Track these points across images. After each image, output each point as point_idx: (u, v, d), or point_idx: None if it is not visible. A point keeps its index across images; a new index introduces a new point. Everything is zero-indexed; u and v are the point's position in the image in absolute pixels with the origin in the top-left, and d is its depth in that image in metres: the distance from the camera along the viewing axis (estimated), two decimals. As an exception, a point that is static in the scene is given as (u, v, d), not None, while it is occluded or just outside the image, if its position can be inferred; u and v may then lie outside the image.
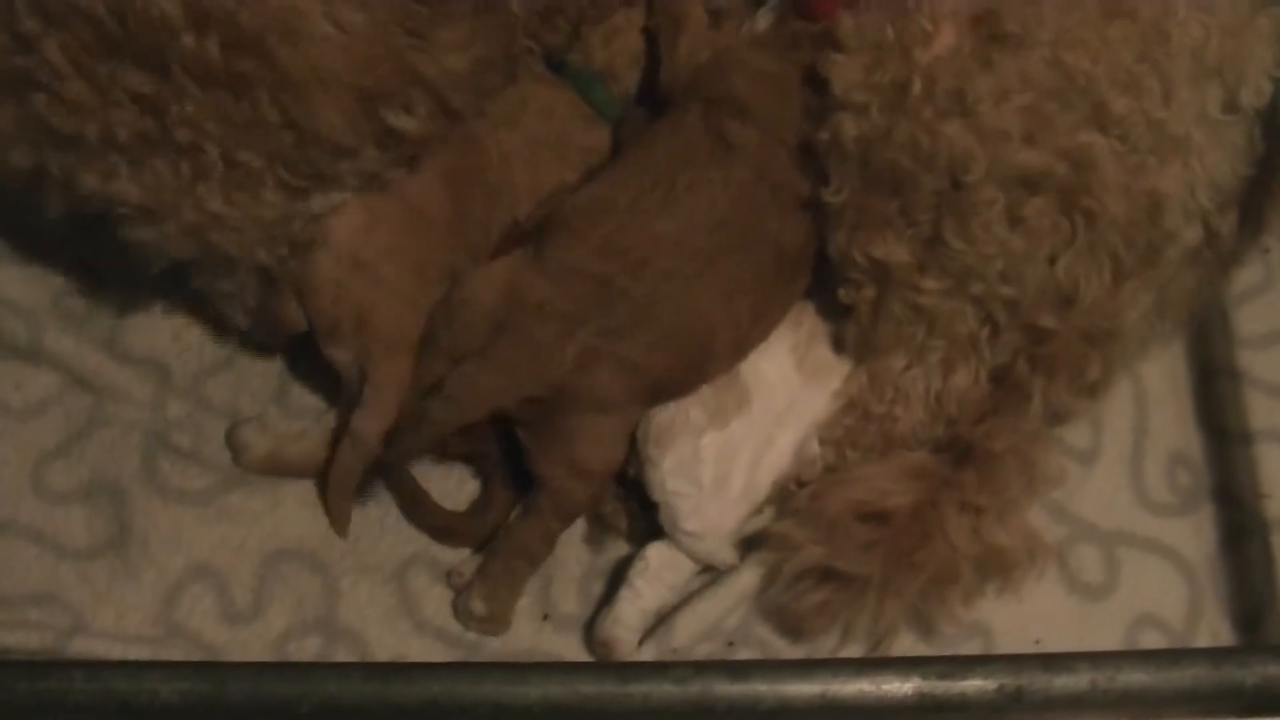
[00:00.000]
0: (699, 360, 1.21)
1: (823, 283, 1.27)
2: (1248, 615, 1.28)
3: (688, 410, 1.21)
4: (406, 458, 1.20)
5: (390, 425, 1.21)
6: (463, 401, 1.17)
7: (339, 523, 1.25)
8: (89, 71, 1.12)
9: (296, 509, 1.27)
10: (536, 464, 1.18)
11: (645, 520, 1.23)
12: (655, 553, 1.22)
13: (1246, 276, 1.37)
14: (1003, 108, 1.16)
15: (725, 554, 1.22)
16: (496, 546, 1.20)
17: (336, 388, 1.28)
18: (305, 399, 1.31)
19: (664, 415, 1.21)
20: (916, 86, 1.17)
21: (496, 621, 1.22)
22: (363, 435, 1.22)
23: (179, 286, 1.28)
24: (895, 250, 1.20)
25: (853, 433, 1.24)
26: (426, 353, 1.22)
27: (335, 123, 1.17)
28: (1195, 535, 1.31)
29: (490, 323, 1.19)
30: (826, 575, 1.19)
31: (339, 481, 1.24)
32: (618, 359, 1.18)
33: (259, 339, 1.29)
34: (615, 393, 1.19)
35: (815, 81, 1.24)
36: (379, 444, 1.21)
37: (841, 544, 1.19)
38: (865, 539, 1.19)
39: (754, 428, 1.23)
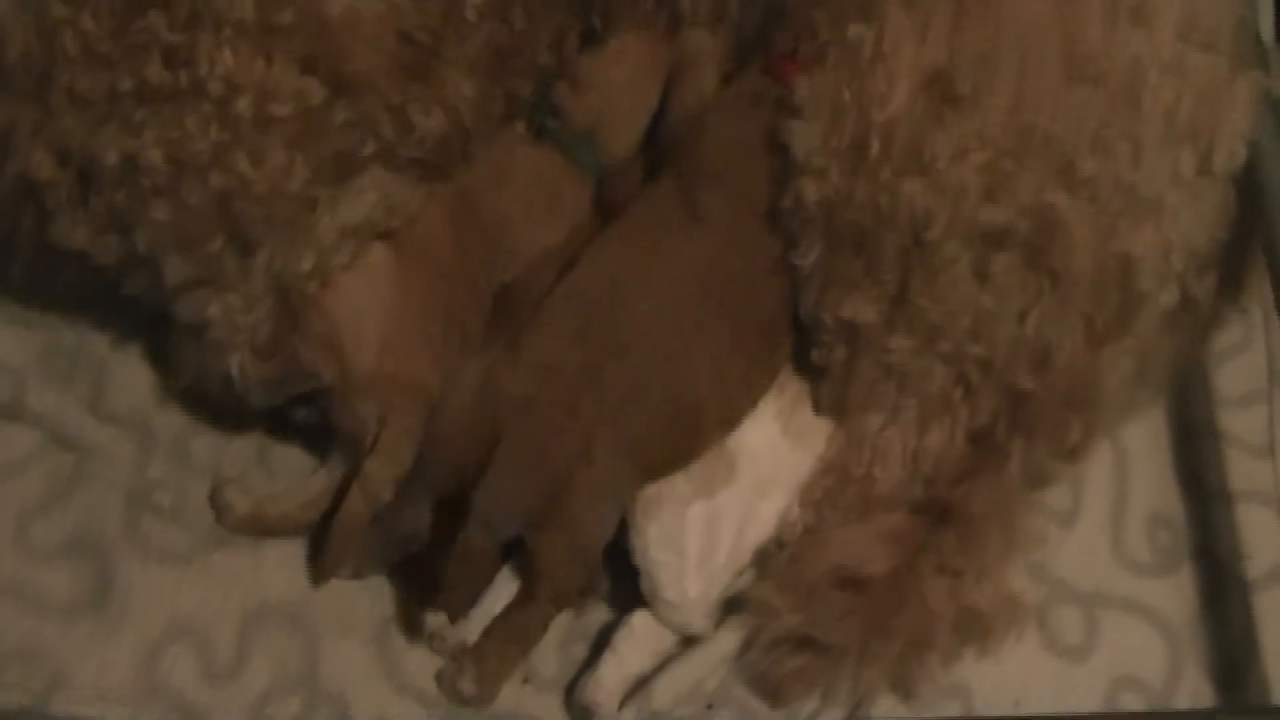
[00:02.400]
0: (690, 435, 1.23)
1: (802, 347, 1.28)
2: (1229, 675, 1.29)
3: (674, 481, 1.22)
4: (463, 594, 1.20)
5: (402, 475, 1.22)
6: (496, 518, 1.17)
7: (333, 568, 1.26)
8: (121, 30, 1.15)
9: (278, 568, 1.28)
10: (540, 559, 1.18)
11: (626, 584, 1.24)
12: (640, 619, 1.22)
13: (1226, 337, 1.40)
14: (960, 165, 1.18)
15: (701, 625, 1.23)
16: (492, 629, 1.20)
17: (318, 448, 1.31)
18: (287, 460, 1.32)
19: (651, 486, 1.22)
20: (874, 147, 1.20)
21: (484, 701, 1.22)
22: (376, 480, 1.23)
23: (163, 343, 1.29)
24: (863, 310, 1.22)
25: (832, 494, 1.25)
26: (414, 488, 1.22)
27: (364, 77, 1.20)
28: (1176, 595, 1.32)
29: (476, 438, 1.20)
30: (804, 643, 1.20)
31: (345, 528, 1.24)
32: (615, 443, 1.19)
33: (256, 396, 1.28)
34: (616, 477, 1.19)
35: (776, 146, 1.26)
36: (390, 492, 1.22)
37: (819, 612, 1.20)
38: (843, 607, 1.20)
39: (741, 497, 1.24)
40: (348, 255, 1.24)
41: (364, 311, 1.25)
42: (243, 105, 1.17)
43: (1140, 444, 1.37)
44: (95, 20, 1.15)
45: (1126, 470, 1.36)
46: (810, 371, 1.28)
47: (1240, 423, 1.38)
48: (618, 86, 1.38)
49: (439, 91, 1.25)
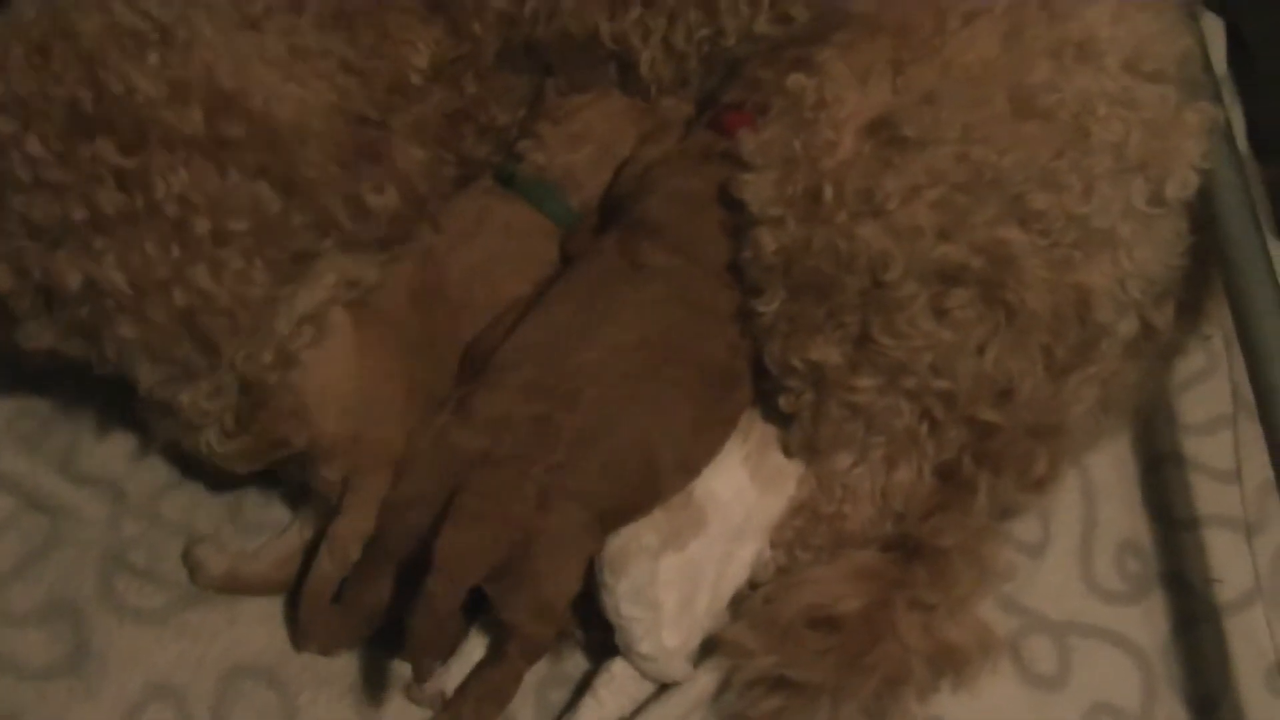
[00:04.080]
0: (647, 481, 1.23)
1: (767, 393, 1.30)
2: (1203, 700, 1.31)
3: (640, 534, 1.22)
4: (430, 648, 1.17)
5: (369, 533, 1.23)
6: (453, 568, 1.15)
7: (312, 635, 1.27)
8: (69, 156, 1.16)
9: (253, 625, 1.29)
10: (505, 612, 1.17)
11: (604, 631, 1.24)
12: (620, 665, 1.23)
13: (1189, 364, 1.42)
14: (913, 204, 1.20)
15: (680, 673, 1.23)
16: (466, 688, 1.19)
17: (290, 504, 1.33)
18: (259, 515, 1.34)
19: (617, 541, 1.22)
20: (827, 193, 1.21)
21: None
22: (343, 539, 1.24)
23: (133, 406, 1.29)
24: (827, 352, 1.24)
25: (803, 534, 1.27)
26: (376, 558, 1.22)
27: (318, 177, 1.21)
28: (1147, 622, 1.34)
29: (434, 500, 1.19)
30: (780, 682, 1.21)
31: (315, 591, 1.26)
32: (571, 492, 1.19)
33: (234, 466, 1.29)
34: (575, 527, 1.19)
35: (729, 200, 1.28)
36: (358, 552, 1.23)
37: (793, 652, 1.21)
38: (817, 647, 1.21)
39: (713, 546, 1.24)
40: (308, 338, 1.26)
41: (327, 379, 1.26)
42: (200, 225, 1.18)
43: (1107, 473, 1.39)
44: (42, 144, 1.15)
45: (1094, 499, 1.38)
46: (777, 416, 1.29)
47: (1206, 448, 1.40)
48: (593, 137, 1.40)
49: (390, 166, 1.26)
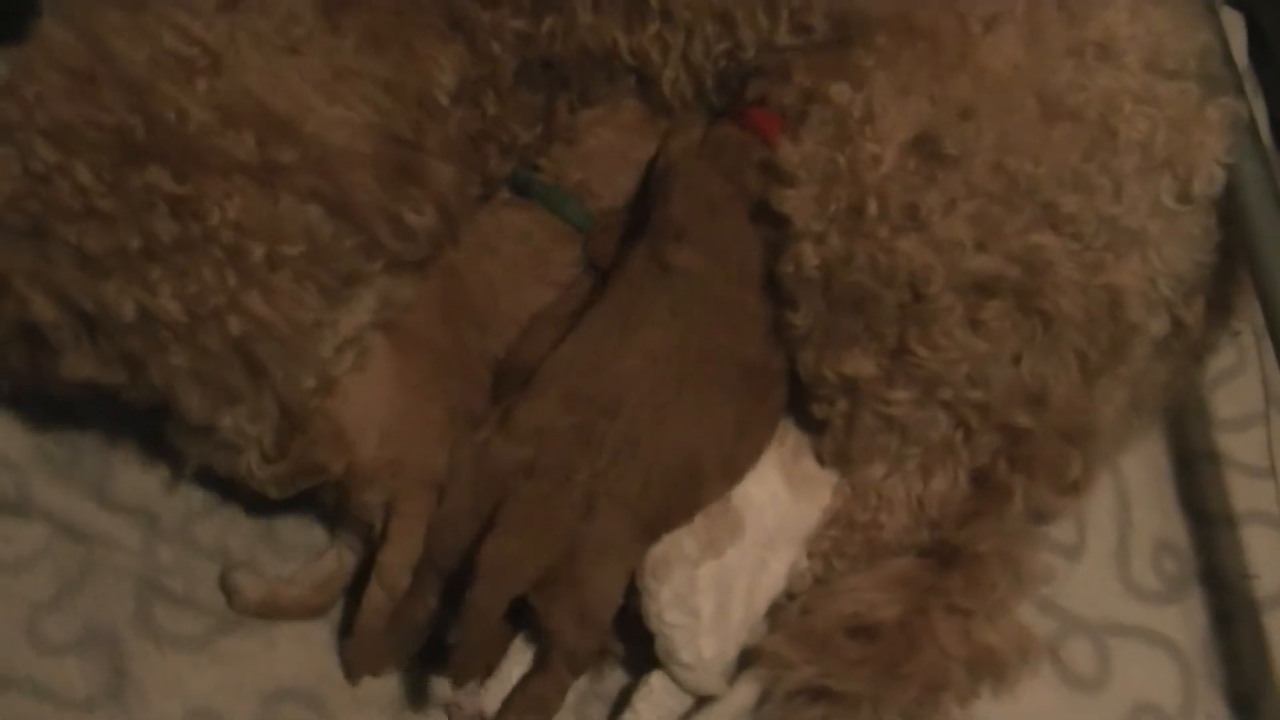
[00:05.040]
0: (691, 485, 1.24)
1: (800, 399, 1.30)
2: (1244, 697, 1.32)
3: (681, 541, 1.23)
4: (474, 658, 1.19)
5: (415, 560, 1.23)
6: (498, 576, 1.16)
7: (365, 666, 1.27)
8: (120, 184, 1.16)
9: (291, 648, 1.30)
10: (548, 620, 1.18)
11: (642, 646, 1.24)
12: (658, 678, 1.24)
13: (1219, 361, 1.42)
14: (951, 217, 1.20)
15: (717, 685, 1.24)
16: (511, 701, 1.20)
17: (323, 526, 1.33)
18: (293, 538, 1.34)
19: (659, 548, 1.23)
20: (871, 208, 1.22)
21: None
22: (391, 569, 1.25)
23: (164, 431, 1.29)
24: (863, 365, 1.24)
25: (839, 543, 1.27)
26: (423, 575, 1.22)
27: (366, 199, 1.22)
28: (1185, 621, 1.34)
29: (479, 514, 1.20)
30: (820, 693, 1.22)
31: (368, 623, 1.26)
32: (616, 498, 1.20)
33: (271, 491, 1.28)
34: (619, 534, 1.20)
35: (768, 214, 1.28)
36: (407, 579, 1.24)
37: (833, 662, 1.22)
38: (856, 656, 1.22)
39: (749, 553, 1.25)
40: (349, 363, 1.26)
41: (366, 405, 1.27)
42: (255, 250, 1.18)
43: (1141, 473, 1.40)
44: (92, 172, 1.15)
45: (1129, 500, 1.38)
46: (811, 425, 1.30)
47: (1239, 445, 1.40)
48: (607, 145, 1.40)
49: (427, 186, 1.27)
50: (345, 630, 1.30)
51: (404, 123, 1.25)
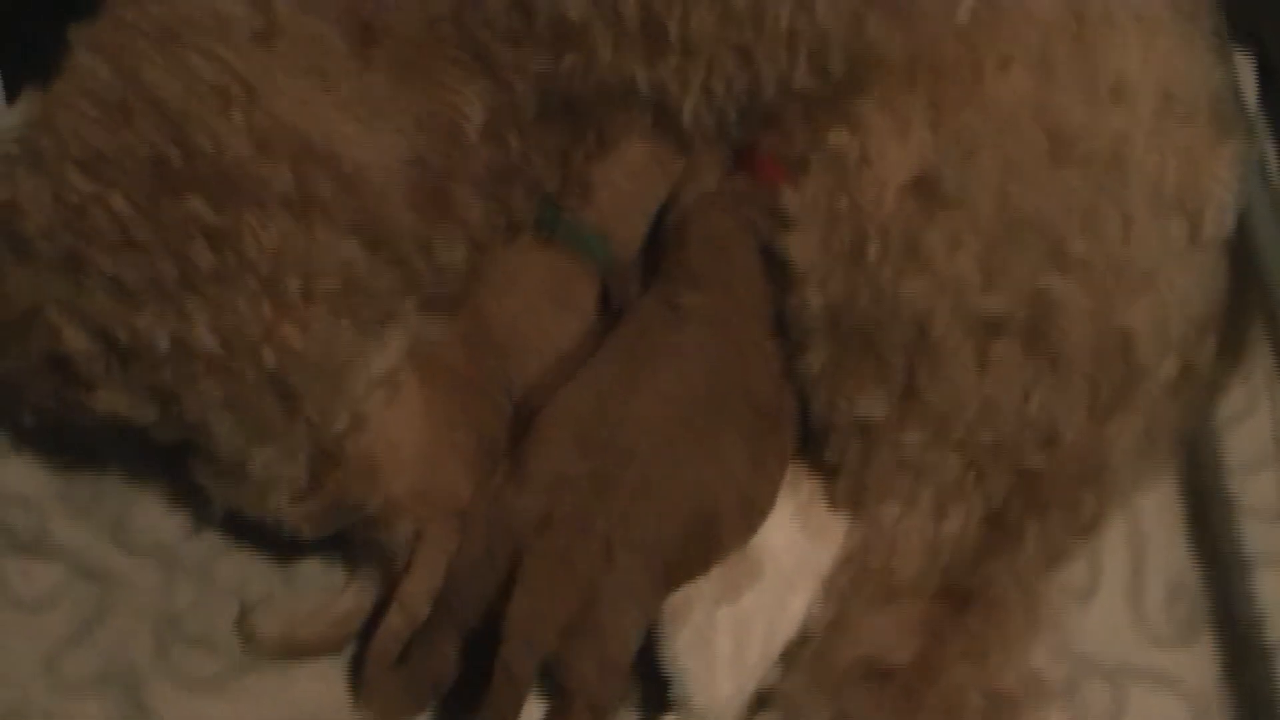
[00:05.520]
0: (709, 529, 1.24)
1: (813, 444, 1.31)
2: (1257, 740, 1.32)
3: (700, 585, 1.24)
4: (508, 718, 1.19)
5: (437, 588, 1.24)
6: (528, 635, 1.17)
7: (376, 694, 1.27)
8: (157, 214, 1.17)
9: (310, 683, 1.30)
10: (571, 671, 1.18)
11: (656, 688, 1.25)
12: None
13: (1231, 403, 1.42)
14: (956, 257, 1.22)
15: None
16: None
17: (342, 564, 1.34)
18: (312, 576, 1.34)
19: (677, 592, 1.24)
20: (873, 248, 1.24)
21: None
22: (413, 596, 1.25)
23: (186, 472, 1.30)
24: (874, 407, 1.26)
25: (853, 586, 1.27)
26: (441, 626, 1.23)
27: (402, 234, 1.24)
28: (1199, 664, 1.34)
29: (496, 566, 1.21)
30: (835, 735, 1.23)
31: (382, 647, 1.26)
32: (635, 544, 1.20)
33: (303, 530, 1.29)
34: (639, 582, 1.21)
35: (771, 256, 1.30)
36: (427, 608, 1.25)
37: (848, 704, 1.22)
38: (872, 698, 1.22)
39: (766, 596, 1.25)
40: (381, 400, 1.27)
41: (398, 438, 1.28)
42: (292, 282, 1.19)
43: (1153, 515, 1.40)
44: (128, 201, 1.17)
45: (1141, 542, 1.38)
46: (824, 469, 1.31)
47: (1251, 488, 1.40)
48: (625, 184, 1.41)
49: (460, 222, 1.29)
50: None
51: (436, 157, 1.27)
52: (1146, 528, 1.39)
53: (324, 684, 1.31)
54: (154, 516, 1.37)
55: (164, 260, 1.17)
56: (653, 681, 1.25)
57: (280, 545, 1.34)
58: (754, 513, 1.28)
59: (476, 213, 1.31)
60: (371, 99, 1.25)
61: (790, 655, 1.27)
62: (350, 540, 1.32)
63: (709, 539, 1.25)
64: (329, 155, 1.21)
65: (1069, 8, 1.28)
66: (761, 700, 1.26)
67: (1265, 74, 1.56)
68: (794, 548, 1.28)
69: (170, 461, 1.32)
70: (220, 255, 1.18)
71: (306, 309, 1.21)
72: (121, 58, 1.22)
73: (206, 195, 1.18)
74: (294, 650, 1.30)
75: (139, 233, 1.17)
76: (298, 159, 1.20)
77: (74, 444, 1.37)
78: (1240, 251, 1.30)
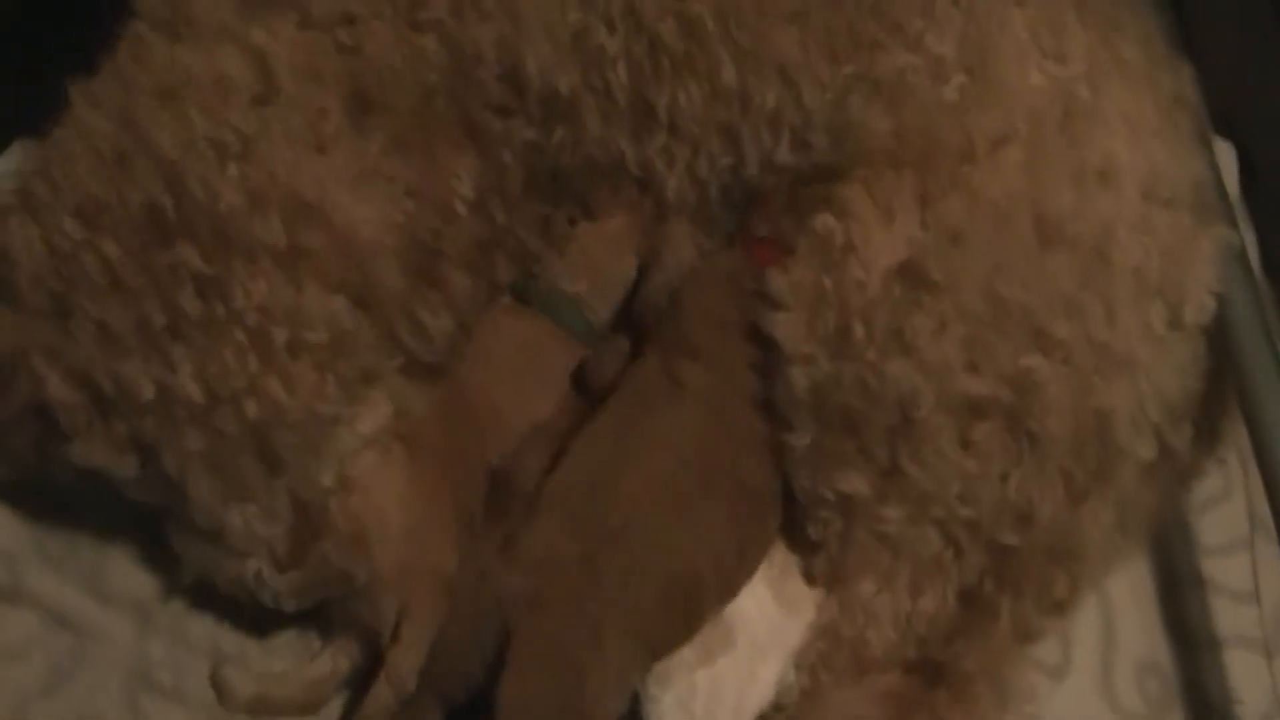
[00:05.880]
0: (694, 607, 1.25)
1: (791, 520, 1.32)
2: (1226, 822, 1.32)
3: (681, 651, 1.25)
4: None
5: (422, 663, 1.25)
6: (519, 716, 1.17)
7: None
8: (147, 261, 1.19)
9: (279, 744, 1.31)
10: None
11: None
12: None
13: (1206, 486, 1.44)
14: (941, 341, 1.23)
15: None
16: None
17: (317, 626, 1.33)
18: (286, 638, 1.35)
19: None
20: (858, 331, 1.25)
21: None
22: (401, 669, 1.25)
23: (162, 532, 1.31)
24: (857, 484, 1.27)
25: (826, 657, 1.28)
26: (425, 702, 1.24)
27: (389, 295, 1.25)
28: (1168, 744, 1.35)
29: (483, 643, 1.22)
30: (806, 805, 1.23)
31: (370, 716, 1.26)
32: (622, 626, 1.21)
33: (286, 602, 1.29)
34: (626, 660, 1.21)
35: (755, 327, 1.32)
36: (414, 681, 1.25)
37: (821, 774, 1.23)
38: (842, 770, 1.23)
39: (739, 663, 1.26)
40: (367, 463, 1.28)
41: (385, 508, 1.28)
42: (279, 335, 1.21)
43: (1126, 594, 1.40)
44: (120, 248, 1.18)
45: (1114, 621, 1.39)
46: (802, 544, 1.32)
47: (1224, 570, 1.42)
48: (603, 254, 1.42)
49: (445, 291, 1.30)
50: (338, 729, 1.31)
51: (425, 227, 1.29)
52: (1119, 607, 1.40)
53: (294, 746, 1.31)
54: (129, 570, 1.37)
55: (152, 307, 1.19)
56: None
57: (256, 607, 1.33)
58: (732, 595, 1.28)
59: (462, 283, 1.33)
60: (365, 166, 1.27)
61: (763, 723, 1.28)
62: (328, 608, 1.31)
63: (692, 614, 1.26)
64: (321, 213, 1.23)
65: (1056, 95, 1.30)
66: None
67: (1246, 163, 1.59)
68: (767, 618, 1.29)
69: (147, 522, 1.33)
70: (208, 304, 1.19)
71: (292, 363, 1.22)
72: (122, 111, 1.24)
73: (198, 244, 1.19)
74: (266, 710, 1.30)
75: (129, 278, 1.18)
76: (290, 214, 1.22)
77: (50, 496, 1.37)
78: (1219, 338, 1.32)
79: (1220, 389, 1.34)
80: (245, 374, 1.20)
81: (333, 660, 1.31)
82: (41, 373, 1.21)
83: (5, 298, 1.22)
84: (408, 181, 1.29)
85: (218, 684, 1.31)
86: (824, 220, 1.30)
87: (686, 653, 1.25)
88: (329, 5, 1.30)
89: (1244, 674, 1.37)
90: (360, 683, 1.29)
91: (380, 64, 1.30)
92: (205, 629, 1.35)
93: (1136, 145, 1.31)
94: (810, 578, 1.31)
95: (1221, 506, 1.44)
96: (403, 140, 1.30)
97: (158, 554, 1.36)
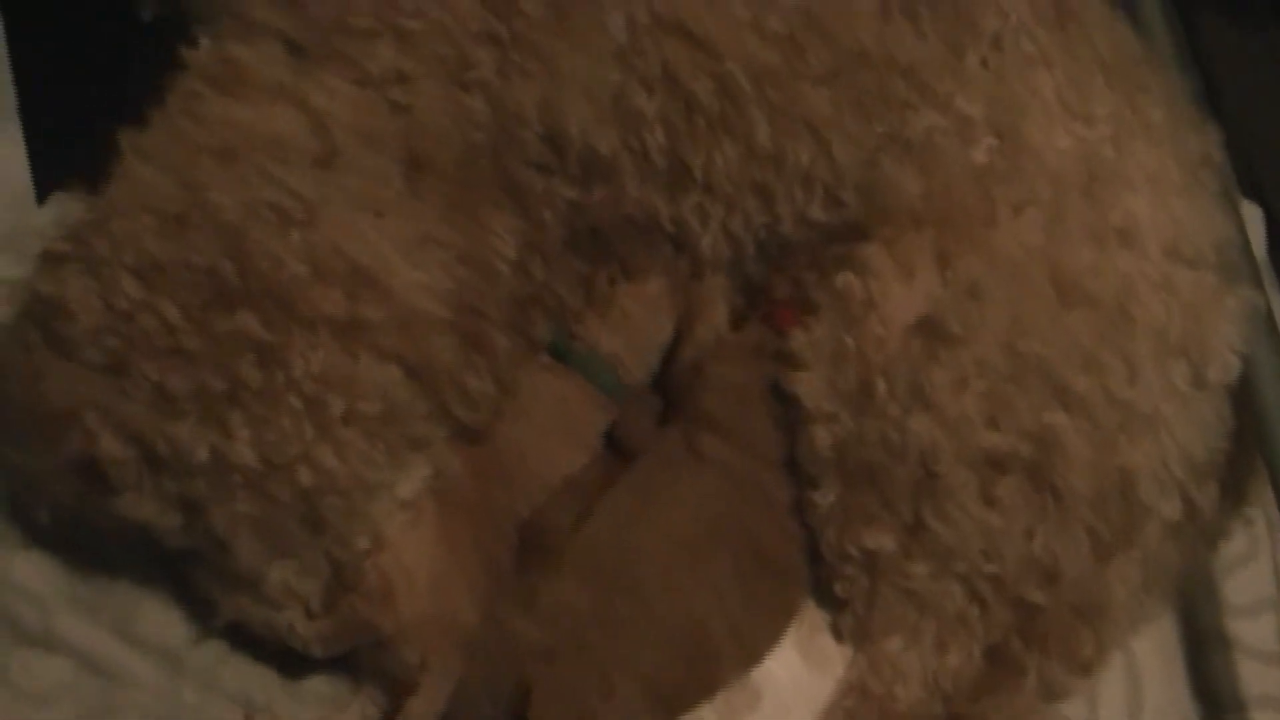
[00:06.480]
0: (709, 666, 1.26)
1: (817, 579, 1.33)
2: None
3: (702, 711, 1.26)
4: None
5: (440, 714, 1.26)
6: None
7: None
8: (208, 326, 1.20)
9: (308, 792, 1.32)
10: None
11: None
12: None
13: (1232, 546, 1.45)
14: (962, 396, 1.25)
15: None
16: None
17: (346, 676, 1.34)
18: (316, 687, 1.35)
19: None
20: (879, 387, 1.27)
21: None
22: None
23: (193, 578, 1.32)
24: (882, 540, 1.28)
25: (853, 714, 1.29)
26: None
27: (441, 364, 1.27)
28: (1194, 805, 1.36)
29: (501, 691, 1.24)
30: None
31: None
32: (634, 681, 1.23)
33: (314, 649, 1.31)
34: (638, 709, 1.23)
35: (778, 395, 1.33)
36: None
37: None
38: (870, 828, 1.24)
39: (764, 723, 1.28)
40: (402, 524, 1.29)
41: (413, 563, 1.30)
42: (335, 404, 1.22)
43: (1152, 654, 1.41)
44: (180, 311, 1.20)
45: (1139, 680, 1.40)
46: (829, 602, 1.32)
47: (1250, 631, 1.42)
48: (639, 315, 1.44)
49: (488, 354, 1.32)
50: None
51: (472, 291, 1.31)
52: (1145, 666, 1.40)
53: (321, 795, 1.32)
54: (161, 617, 1.38)
55: (211, 372, 1.20)
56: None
57: (286, 655, 1.35)
58: (751, 647, 1.29)
59: (503, 344, 1.34)
60: (419, 231, 1.29)
61: (791, 782, 1.29)
62: (357, 657, 1.33)
63: (707, 671, 1.27)
64: (380, 283, 1.24)
65: (1082, 160, 1.32)
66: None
67: (1273, 225, 1.60)
68: (793, 677, 1.30)
69: (177, 566, 1.34)
70: (267, 372, 1.21)
71: (345, 431, 1.24)
72: (180, 171, 1.26)
73: (259, 312, 1.21)
74: (293, 757, 1.32)
75: (188, 343, 1.20)
76: (350, 284, 1.24)
77: (84, 542, 1.38)
78: (1244, 397, 1.33)
79: (1246, 449, 1.35)
80: (300, 442, 1.22)
81: (361, 711, 1.31)
82: (94, 429, 1.22)
83: (60, 349, 1.24)
84: (458, 246, 1.31)
85: (247, 732, 1.32)
86: (844, 278, 1.32)
87: (708, 715, 1.26)
88: (383, 63, 1.32)
89: (1270, 734, 1.38)
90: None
91: (431, 123, 1.32)
92: (236, 676, 1.36)
93: (1160, 205, 1.33)
94: (838, 635, 1.32)
95: (1248, 567, 1.45)
96: (453, 202, 1.32)
97: (189, 601, 1.37)
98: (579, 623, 1.25)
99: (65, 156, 1.65)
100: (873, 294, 1.29)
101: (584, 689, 1.22)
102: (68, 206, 1.56)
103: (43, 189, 1.64)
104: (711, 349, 1.42)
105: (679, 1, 1.34)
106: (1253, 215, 1.58)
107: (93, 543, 1.37)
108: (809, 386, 1.31)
